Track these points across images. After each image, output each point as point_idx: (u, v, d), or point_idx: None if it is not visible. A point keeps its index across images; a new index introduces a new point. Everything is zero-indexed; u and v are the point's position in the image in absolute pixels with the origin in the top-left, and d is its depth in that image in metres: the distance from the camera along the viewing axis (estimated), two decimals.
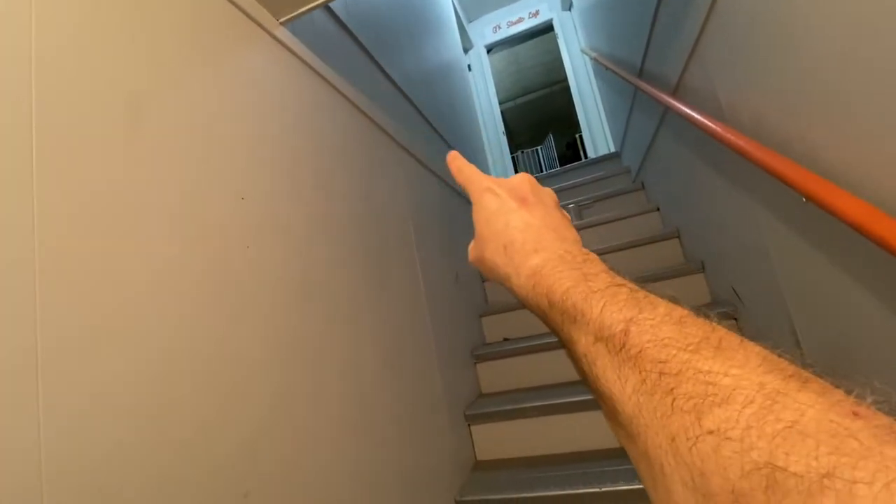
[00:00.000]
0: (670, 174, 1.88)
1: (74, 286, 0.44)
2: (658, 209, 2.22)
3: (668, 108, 1.52)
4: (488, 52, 4.53)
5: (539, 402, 1.45)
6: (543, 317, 0.21)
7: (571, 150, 6.79)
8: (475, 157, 3.09)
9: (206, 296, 0.59)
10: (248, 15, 0.85)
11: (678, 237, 1.97)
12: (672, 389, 0.13)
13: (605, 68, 2.50)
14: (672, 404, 0.13)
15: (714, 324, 0.16)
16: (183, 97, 0.65)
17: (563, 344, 0.20)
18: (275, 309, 0.72)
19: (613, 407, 0.16)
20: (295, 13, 0.94)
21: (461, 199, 2.24)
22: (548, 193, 0.28)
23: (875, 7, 0.58)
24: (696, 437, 0.12)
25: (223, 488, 0.54)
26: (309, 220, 0.88)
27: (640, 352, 0.15)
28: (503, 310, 1.98)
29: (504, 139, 4.28)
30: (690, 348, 0.14)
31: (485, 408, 1.51)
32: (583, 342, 0.18)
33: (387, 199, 1.29)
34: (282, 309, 0.74)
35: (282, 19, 0.93)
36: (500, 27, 4.45)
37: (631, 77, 1.92)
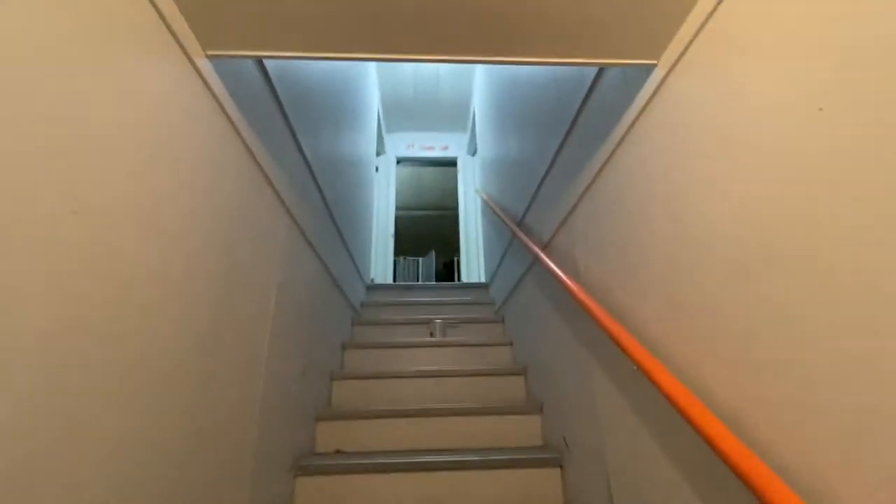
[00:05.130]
0: (527, 316, 2.09)
1: None
2: (511, 344, 2.40)
3: (536, 259, 1.75)
4: (398, 162, 4.89)
5: None
6: None
7: (447, 269, 7.27)
8: (362, 250, 3.08)
9: None
10: (172, 32, 0.78)
11: (524, 375, 2.11)
12: None
13: (493, 212, 2.86)
14: None
15: None
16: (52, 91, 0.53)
17: None
18: (36, 363, 0.53)
19: None
20: (225, 52, 0.90)
21: (336, 288, 2.14)
22: None
23: (694, 219, 0.78)
24: None
25: None
26: (152, 250, 0.73)
27: None
28: (346, 416, 1.80)
29: (391, 242, 4.41)
30: None
31: None
32: None
33: (255, 260, 1.16)
34: (46, 365, 0.54)
35: (209, 52, 0.88)
36: (413, 146, 4.92)
37: (512, 224, 2.21)
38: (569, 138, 1.45)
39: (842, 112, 0.51)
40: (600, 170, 1.16)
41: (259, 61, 1.21)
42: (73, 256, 0.56)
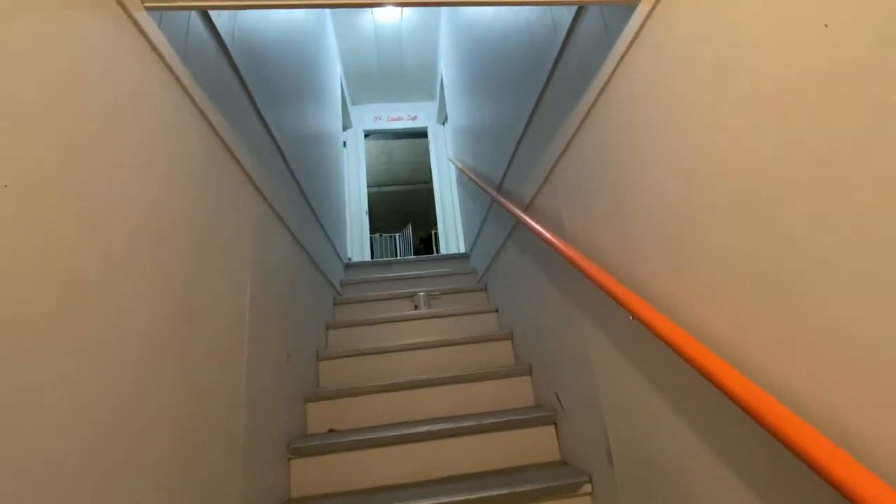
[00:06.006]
0: (511, 281, 2.08)
1: None
2: (497, 311, 2.40)
3: (518, 223, 1.72)
4: (366, 136, 4.72)
5: None
6: None
7: (424, 244, 7.23)
8: (337, 229, 2.98)
9: None
10: None
11: (511, 339, 2.13)
12: None
13: (469, 178, 2.80)
14: None
15: None
16: None
17: None
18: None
19: None
20: (165, 3, 0.79)
21: (314, 267, 2.06)
22: None
23: (691, 157, 0.76)
24: None
25: None
26: (105, 228, 0.65)
27: None
28: (336, 395, 1.77)
29: (366, 219, 4.31)
30: None
31: None
32: None
33: (226, 239, 1.08)
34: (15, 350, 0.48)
35: (148, 3, 0.77)
36: (380, 118, 4.75)
37: (490, 189, 2.16)
38: (546, 92, 1.40)
39: (850, 25, 0.48)
40: (583, 121, 1.12)
41: (208, 20, 1.09)
42: (8, 235, 0.49)
